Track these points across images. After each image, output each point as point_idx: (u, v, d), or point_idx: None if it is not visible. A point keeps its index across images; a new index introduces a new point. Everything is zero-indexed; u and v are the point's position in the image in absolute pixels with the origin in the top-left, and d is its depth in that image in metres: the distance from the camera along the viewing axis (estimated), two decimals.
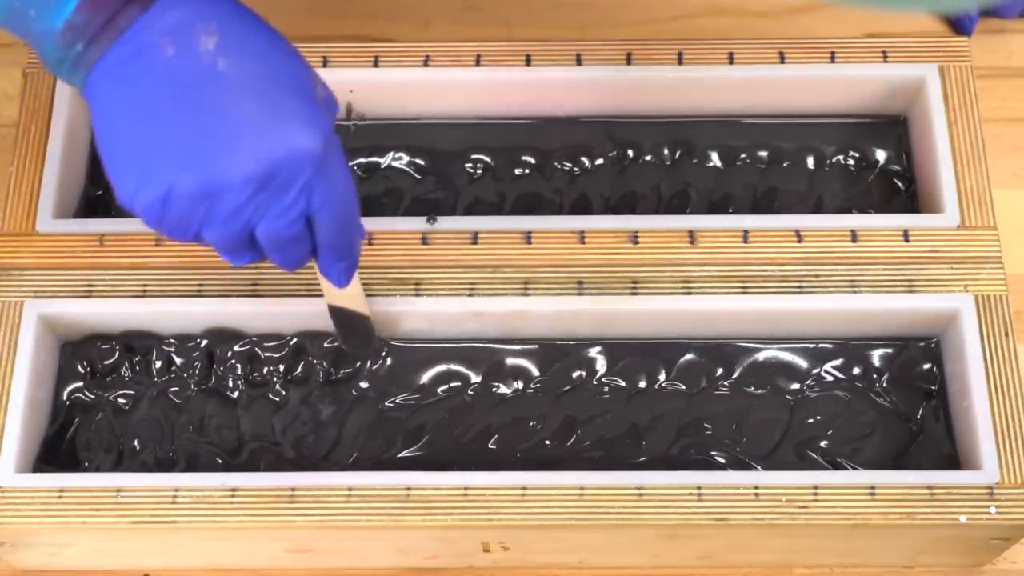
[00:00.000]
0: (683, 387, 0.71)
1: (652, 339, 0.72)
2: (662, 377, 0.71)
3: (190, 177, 0.54)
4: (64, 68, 0.54)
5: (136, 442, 0.71)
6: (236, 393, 0.72)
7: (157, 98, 0.53)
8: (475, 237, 0.72)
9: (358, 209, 0.59)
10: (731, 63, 0.75)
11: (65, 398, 0.72)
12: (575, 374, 0.71)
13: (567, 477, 0.66)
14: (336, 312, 0.68)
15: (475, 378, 0.72)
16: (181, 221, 0.55)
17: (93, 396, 0.72)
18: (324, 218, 0.57)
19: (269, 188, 0.54)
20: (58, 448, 0.71)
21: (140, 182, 0.54)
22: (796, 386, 0.71)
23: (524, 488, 0.66)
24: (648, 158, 0.76)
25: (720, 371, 0.72)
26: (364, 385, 0.71)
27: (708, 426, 0.70)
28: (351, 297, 0.67)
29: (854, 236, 0.71)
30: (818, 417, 0.71)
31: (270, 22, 0.82)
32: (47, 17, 0.53)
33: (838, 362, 0.72)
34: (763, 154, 0.77)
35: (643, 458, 0.70)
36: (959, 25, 0.83)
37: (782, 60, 0.75)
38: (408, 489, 0.66)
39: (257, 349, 0.72)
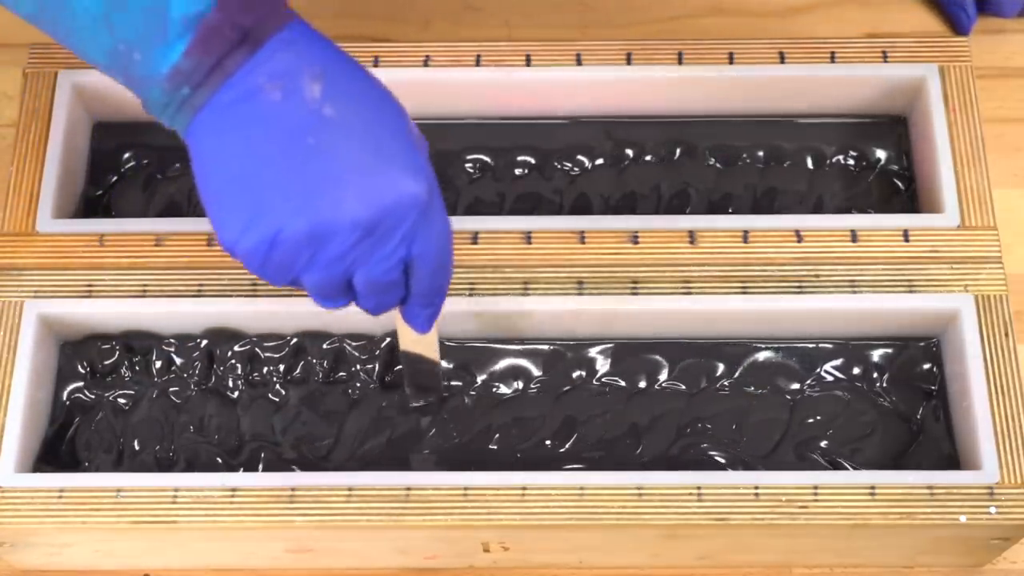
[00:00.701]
0: (683, 387, 0.71)
1: (652, 339, 0.72)
2: (662, 377, 0.71)
3: (300, 221, 0.53)
4: (168, 112, 0.54)
5: (136, 442, 0.71)
6: (236, 393, 0.72)
7: (265, 142, 0.53)
8: (475, 237, 0.72)
9: (452, 254, 0.59)
10: (731, 63, 0.75)
11: (65, 398, 0.72)
12: (575, 374, 0.71)
13: (567, 477, 0.66)
14: (408, 358, 0.67)
15: (475, 378, 0.72)
16: (284, 265, 0.55)
17: (93, 396, 0.72)
18: (422, 264, 0.57)
19: (375, 234, 0.54)
20: (58, 448, 0.71)
21: (247, 225, 0.54)
22: (796, 386, 0.71)
23: (524, 488, 0.66)
24: (648, 158, 0.76)
25: (720, 371, 0.72)
26: (358, 386, 0.71)
27: (708, 426, 0.70)
28: (427, 343, 0.66)
29: (854, 236, 0.71)
30: (818, 417, 0.71)
31: None
32: (153, 62, 0.53)
33: (838, 362, 0.72)
34: (763, 154, 0.77)
35: (643, 458, 0.70)
36: (957, 24, 0.83)
37: (782, 60, 0.75)
38: (408, 489, 0.66)
39: (257, 349, 0.72)
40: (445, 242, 0.58)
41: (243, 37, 0.52)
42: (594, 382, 0.72)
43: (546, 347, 0.72)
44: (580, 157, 0.76)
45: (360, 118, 0.54)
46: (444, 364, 0.70)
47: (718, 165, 0.76)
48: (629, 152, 0.76)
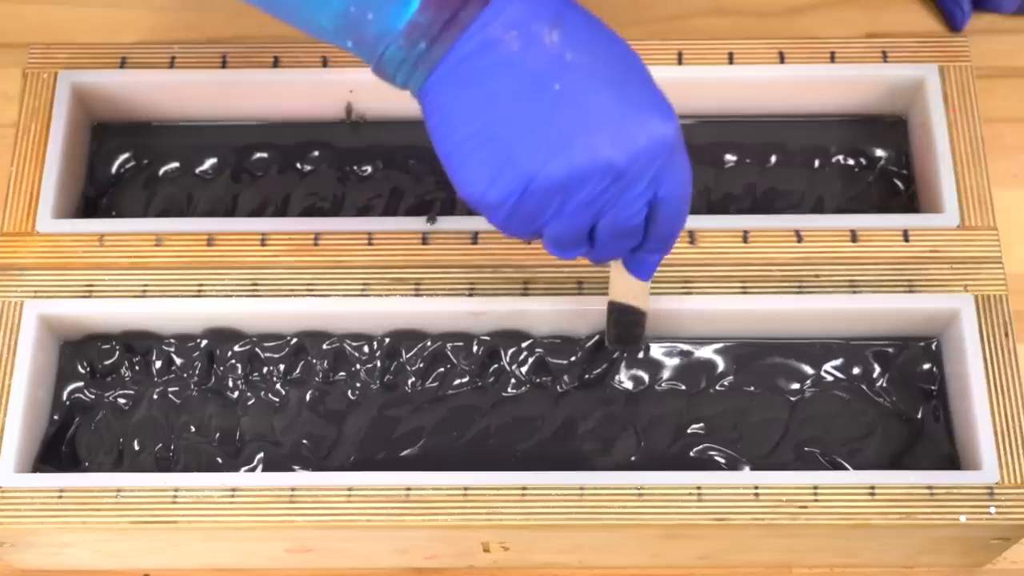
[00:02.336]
0: (683, 387, 0.71)
1: (652, 339, 0.72)
2: (662, 377, 0.71)
3: (554, 168, 0.53)
4: (403, 69, 0.54)
5: (136, 442, 0.71)
6: (236, 393, 0.72)
7: (509, 92, 0.53)
8: (475, 237, 0.72)
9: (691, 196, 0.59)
10: (731, 63, 0.75)
11: (65, 398, 0.72)
12: (576, 374, 0.71)
13: (567, 477, 0.66)
14: (616, 308, 0.67)
15: (475, 378, 0.72)
16: (532, 214, 0.55)
17: (93, 396, 0.72)
18: (666, 206, 0.57)
19: (625, 177, 0.54)
20: (58, 448, 0.71)
21: (495, 175, 0.54)
22: (796, 386, 0.71)
23: (524, 488, 0.66)
24: None
25: (720, 371, 0.72)
26: (358, 386, 0.71)
27: (708, 426, 0.70)
28: (640, 293, 0.66)
29: (854, 236, 0.71)
30: (818, 417, 0.71)
31: (270, 22, 0.82)
32: (388, 18, 0.53)
33: (838, 362, 0.72)
34: (763, 154, 0.77)
35: (643, 458, 0.70)
36: (951, 19, 0.83)
37: (782, 60, 0.75)
38: (408, 489, 0.66)
39: (257, 349, 0.72)
40: (689, 183, 0.57)
41: None
42: (594, 382, 0.72)
43: (546, 347, 0.72)
44: None
45: (601, 62, 0.54)
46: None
47: (718, 165, 0.76)
48: None
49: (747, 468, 0.69)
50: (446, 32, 0.53)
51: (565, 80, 0.53)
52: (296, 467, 0.70)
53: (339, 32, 0.55)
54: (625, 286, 0.65)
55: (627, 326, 0.68)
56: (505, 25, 0.53)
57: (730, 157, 0.76)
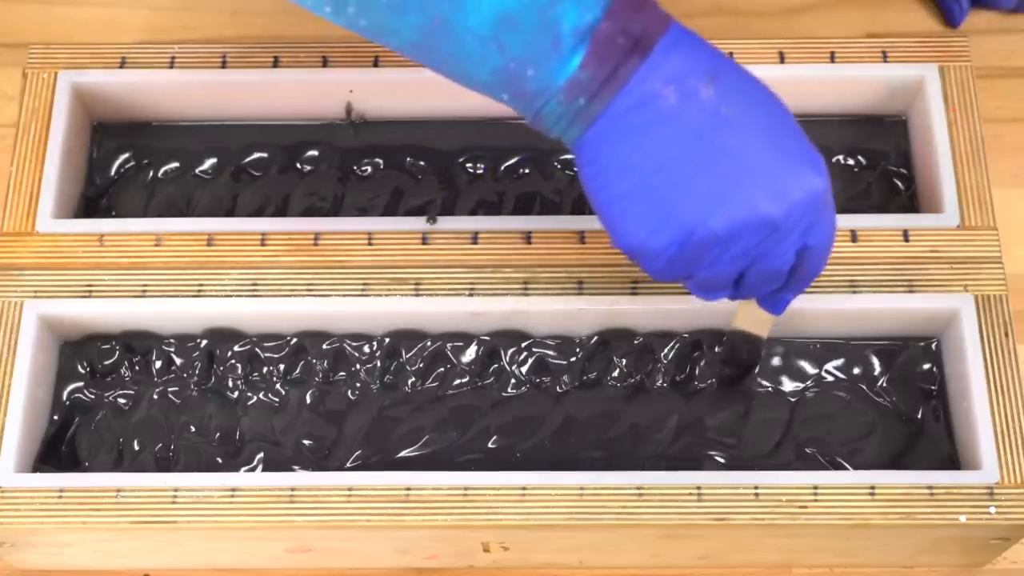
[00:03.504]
0: (683, 387, 0.71)
1: (652, 339, 0.72)
2: (661, 377, 0.71)
3: (715, 221, 0.55)
4: (560, 124, 0.55)
5: (136, 442, 0.71)
6: (236, 393, 0.72)
7: (668, 146, 0.54)
8: (475, 237, 0.72)
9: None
10: None
11: (65, 398, 0.72)
12: (576, 374, 0.71)
13: (567, 477, 0.66)
14: (737, 336, 0.68)
15: (475, 378, 0.72)
16: (689, 263, 0.56)
17: (93, 396, 0.72)
18: (812, 254, 0.58)
19: (781, 229, 0.56)
20: (58, 448, 0.71)
21: (656, 227, 0.55)
22: (796, 386, 0.71)
23: (524, 488, 0.66)
24: None
25: (720, 371, 0.71)
26: (358, 386, 0.71)
27: (708, 426, 0.70)
28: (765, 323, 0.67)
29: (854, 236, 0.71)
30: (818, 417, 0.71)
31: (270, 22, 0.82)
32: (548, 75, 0.54)
33: (838, 362, 0.72)
34: None
35: (643, 458, 0.70)
36: (949, 15, 0.83)
37: (782, 60, 0.75)
38: (408, 489, 0.66)
39: (257, 349, 0.72)
40: (834, 230, 0.59)
41: (634, 44, 0.53)
42: (595, 382, 0.72)
43: (545, 347, 0.72)
44: None
45: (755, 116, 0.55)
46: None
47: None
48: None
49: (747, 468, 0.69)
50: (605, 88, 0.54)
51: (722, 134, 0.54)
52: (296, 467, 0.70)
53: (496, 87, 0.55)
54: (753, 318, 0.67)
55: (741, 351, 0.69)
56: (663, 80, 0.54)
57: None
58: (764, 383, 0.71)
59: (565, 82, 0.54)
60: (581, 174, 0.56)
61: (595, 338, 0.71)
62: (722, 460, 0.70)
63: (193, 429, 0.71)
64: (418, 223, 0.72)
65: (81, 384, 0.72)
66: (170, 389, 0.72)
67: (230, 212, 0.75)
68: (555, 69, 0.53)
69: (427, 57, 0.56)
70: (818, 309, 0.70)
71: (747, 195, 0.54)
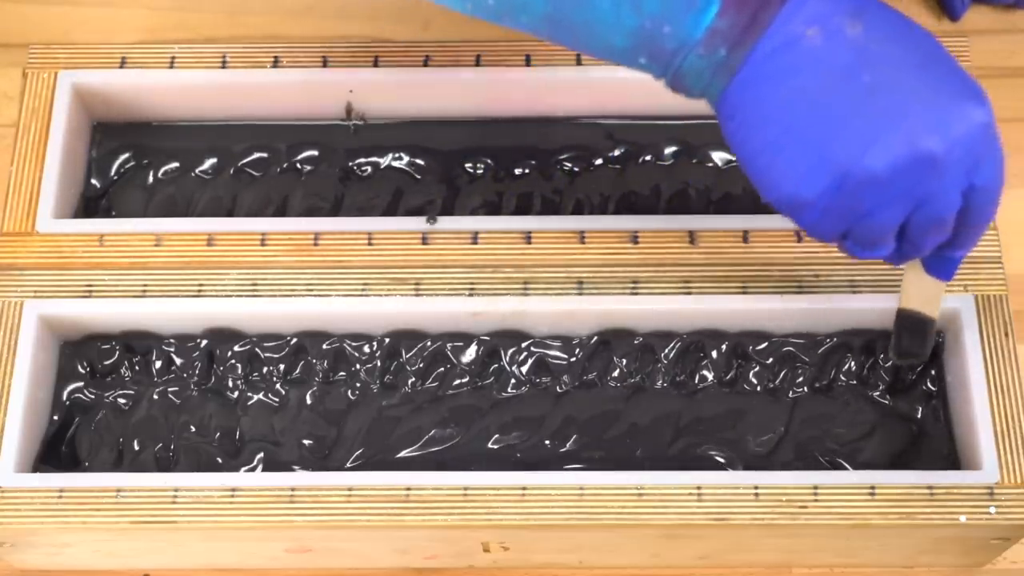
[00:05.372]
0: (683, 387, 0.71)
1: (652, 339, 0.72)
2: (662, 377, 0.71)
3: (871, 159, 0.52)
4: (703, 79, 0.54)
5: (136, 442, 0.71)
6: (236, 393, 0.72)
7: (817, 87, 0.52)
8: (475, 237, 0.72)
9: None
10: None
11: (65, 398, 0.72)
12: (576, 374, 0.71)
13: (567, 477, 0.66)
14: (907, 316, 0.65)
15: (475, 378, 0.72)
16: (847, 210, 0.54)
17: (93, 396, 0.72)
18: (979, 197, 0.56)
19: (943, 165, 0.53)
20: (58, 448, 0.71)
21: (808, 173, 0.53)
22: (796, 386, 0.71)
23: (524, 488, 0.66)
24: (648, 158, 0.76)
25: (720, 371, 0.71)
26: (358, 386, 0.71)
27: (708, 426, 0.70)
28: (932, 298, 0.64)
29: None
30: (818, 417, 0.71)
31: (270, 22, 0.82)
32: (686, 28, 0.52)
33: (838, 362, 0.72)
34: None
35: (643, 458, 0.70)
36: (950, 9, 0.83)
37: None
38: (408, 489, 0.66)
39: (257, 349, 0.72)
40: (1003, 170, 0.56)
41: None
42: (595, 382, 0.72)
43: (545, 347, 0.72)
44: (580, 157, 0.76)
45: (908, 51, 0.53)
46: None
47: (718, 165, 0.76)
48: (629, 152, 0.76)
49: (747, 468, 0.69)
50: (746, 35, 0.52)
51: (873, 71, 0.52)
52: (296, 467, 0.70)
53: (633, 51, 0.54)
54: (920, 291, 0.64)
55: (919, 336, 0.66)
56: (806, 21, 0.52)
57: (730, 157, 0.76)
58: (764, 382, 0.71)
59: (704, 33, 0.52)
60: (724, 131, 0.55)
61: (595, 338, 0.71)
62: (722, 460, 0.70)
63: (193, 429, 0.71)
64: (418, 223, 0.72)
65: (81, 384, 0.72)
66: (170, 389, 0.72)
67: (230, 212, 0.75)
68: (693, 22, 0.52)
69: (559, 30, 0.55)
70: (818, 309, 0.70)
71: (905, 131, 0.52)
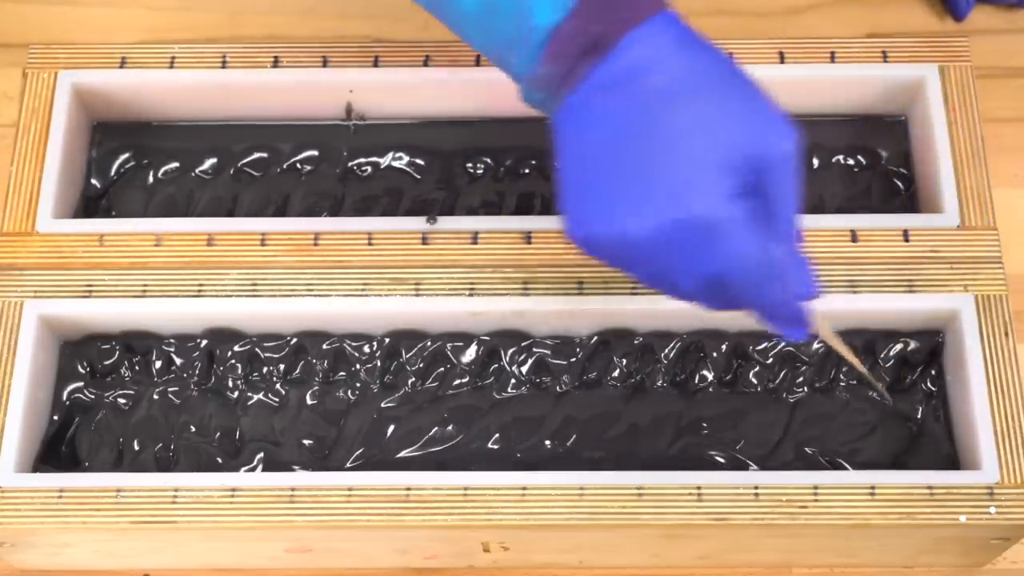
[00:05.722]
0: (683, 387, 0.71)
1: (652, 339, 0.72)
2: (661, 377, 0.71)
3: (632, 224, 0.54)
4: (539, 109, 0.57)
5: (136, 442, 0.71)
6: (236, 393, 0.72)
7: (595, 149, 0.55)
8: (475, 237, 0.72)
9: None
10: None
11: (65, 398, 0.72)
12: (576, 374, 0.71)
13: (567, 477, 0.66)
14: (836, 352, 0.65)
15: (475, 378, 0.72)
16: (614, 260, 0.56)
17: (93, 396, 0.72)
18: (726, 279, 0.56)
19: (672, 244, 0.54)
20: (58, 448, 0.71)
21: (583, 221, 0.55)
22: (796, 386, 0.71)
23: (524, 488, 0.66)
24: None
25: (720, 370, 0.71)
26: (358, 386, 0.71)
27: (707, 426, 0.70)
28: (839, 346, 0.64)
29: (854, 236, 0.71)
30: (818, 417, 0.71)
31: (270, 22, 0.82)
32: (523, 64, 0.56)
33: (838, 362, 0.72)
34: None
35: (643, 458, 0.70)
36: (955, 8, 0.83)
37: (782, 60, 0.75)
38: (408, 489, 0.66)
39: (257, 349, 0.72)
40: (747, 257, 0.56)
41: (593, 44, 0.54)
42: (595, 382, 0.72)
43: (546, 347, 0.72)
44: None
45: (715, 97, 0.55)
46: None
47: None
48: None
49: (746, 468, 0.69)
50: (562, 86, 0.55)
51: (650, 137, 0.54)
52: (296, 467, 0.70)
53: (494, 62, 0.58)
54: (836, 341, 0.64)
55: (861, 376, 0.69)
56: (609, 83, 0.54)
57: None
58: (763, 382, 0.71)
59: (534, 74, 0.56)
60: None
61: (595, 338, 0.71)
62: (722, 460, 0.70)
63: (193, 429, 0.71)
64: (418, 223, 0.72)
65: (81, 384, 0.72)
66: (170, 389, 0.72)
67: (230, 212, 0.75)
68: (528, 59, 0.55)
69: (444, 22, 0.60)
70: (818, 309, 0.70)
71: (652, 204, 0.53)
